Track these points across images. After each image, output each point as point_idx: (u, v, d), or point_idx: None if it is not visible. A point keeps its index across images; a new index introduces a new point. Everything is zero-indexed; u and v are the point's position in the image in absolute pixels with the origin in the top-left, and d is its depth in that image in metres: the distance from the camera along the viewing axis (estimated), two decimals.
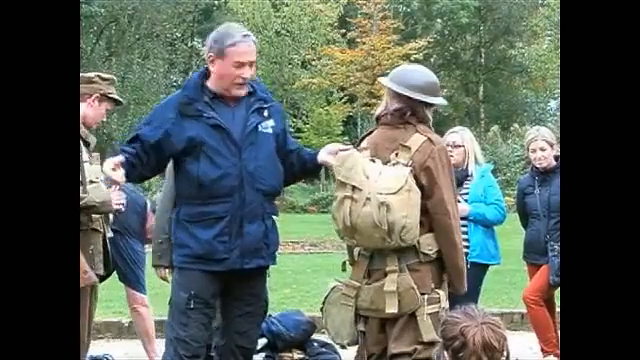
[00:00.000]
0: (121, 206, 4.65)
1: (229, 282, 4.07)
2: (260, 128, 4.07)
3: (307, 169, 4.33)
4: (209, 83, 4.05)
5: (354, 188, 3.79)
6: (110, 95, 4.72)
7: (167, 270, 4.89)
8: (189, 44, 34.06)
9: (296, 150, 4.31)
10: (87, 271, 4.33)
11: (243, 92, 4.05)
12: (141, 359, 6.20)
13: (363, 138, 4.12)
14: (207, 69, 4.08)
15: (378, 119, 4.05)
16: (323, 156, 4.15)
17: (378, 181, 3.77)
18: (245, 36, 3.99)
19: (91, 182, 4.44)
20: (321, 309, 4.16)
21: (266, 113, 4.12)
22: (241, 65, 3.96)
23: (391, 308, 3.80)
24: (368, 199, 3.74)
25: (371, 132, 4.10)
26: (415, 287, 3.81)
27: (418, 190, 3.79)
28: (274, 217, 4.19)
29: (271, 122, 4.12)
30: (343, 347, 4.26)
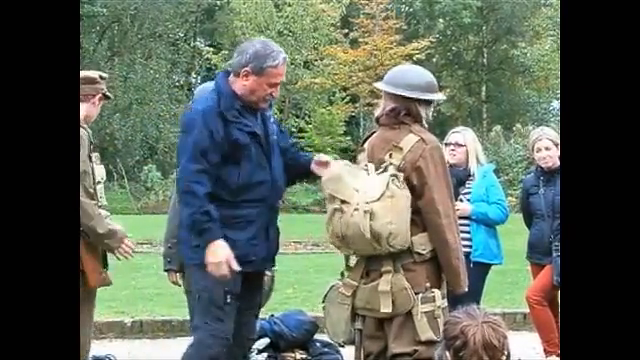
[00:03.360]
0: (128, 256, 4.38)
1: (247, 279, 4.16)
2: (275, 135, 4.21)
3: (302, 174, 4.42)
4: (237, 90, 4.08)
5: (343, 201, 3.85)
6: (106, 93, 4.73)
7: (178, 274, 4.91)
8: (192, 44, 34.07)
9: (292, 150, 4.37)
10: (102, 272, 4.34)
11: (267, 106, 4.18)
12: (143, 359, 6.21)
13: (365, 140, 4.17)
14: (229, 74, 4.12)
15: (378, 121, 4.11)
16: (313, 166, 4.23)
17: (367, 192, 3.83)
18: (284, 58, 4.09)
19: (98, 183, 4.48)
20: (323, 308, 4.21)
21: (272, 119, 4.26)
22: (275, 85, 4.09)
23: (385, 308, 3.85)
24: (356, 210, 3.81)
25: (373, 133, 4.15)
26: (408, 287, 3.84)
27: (405, 194, 3.84)
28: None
29: (274, 127, 4.24)
30: (340, 345, 4.30)
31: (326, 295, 4.20)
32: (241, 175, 4.04)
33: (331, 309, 4.13)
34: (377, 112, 4.11)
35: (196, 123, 4.02)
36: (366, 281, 3.97)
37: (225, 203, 4.04)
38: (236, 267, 3.92)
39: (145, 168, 25.70)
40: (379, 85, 4.10)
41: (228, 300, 4.04)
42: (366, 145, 4.11)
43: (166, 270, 4.98)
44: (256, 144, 4.08)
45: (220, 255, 3.91)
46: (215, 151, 3.97)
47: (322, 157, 4.23)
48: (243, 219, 4.06)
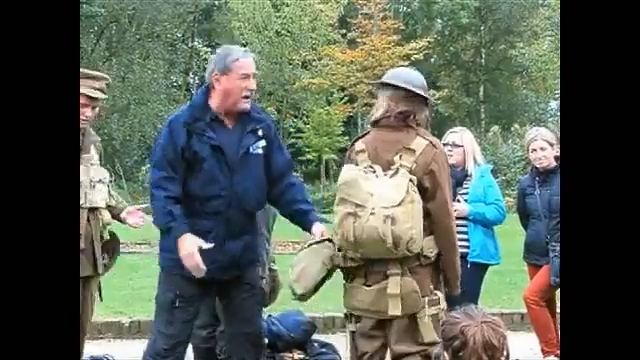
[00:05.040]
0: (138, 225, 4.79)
1: (210, 286, 4.25)
2: (251, 150, 4.20)
3: (296, 223, 4.39)
4: (212, 103, 4.17)
5: (357, 205, 3.79)
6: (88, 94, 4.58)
7: None
8: (189, 44, 34.05)
9: (292, 192, 4.33)
10: None
11: (248, 106, 4.19)
12: None
13: (356, 140, 4.12)
14: (208, 89, 4.20)
15: (376, 122, 4.04)
16: (314, 231, 4.21)
17: (382, 195, 3.77)
18: (245, 52, 4.22)
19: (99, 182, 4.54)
20: (299, 251, 4.15)
21: (260, 133, 4.24)
22: (247, 77, 4.13)
23: (395, 310, 3.83)
24: (372, 214, 3.74)
25: (364, 135, 4.11)
26: (418, 290, 3.84)
27: (420, 199, 3.81)
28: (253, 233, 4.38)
29: (262, 142, 4.23)
30: (297, 296, 4.08)
31: (310, 244, 4.09)
32: (195, 186, 4.12)
33: (308, 255, 4.04)
34: (378, 113, 4.03)
35: (165, 133, 4.19)
36: (368, 283, 3.94)
37: (188, 211, 4.12)
38: (207, 246, 4.01)
39: (143, 168, 25.68)
40: (397, 83, 3.99)
41: (177, 304, 4.14)
42: (364, 146, 4.02)
43: None
44: (217, 158, 4.11)
45: (189, 247, 4.00)
46: (178, 162, 4.10)
47: (320, 230, 4.17)
48: (199, 229, 4.11)
